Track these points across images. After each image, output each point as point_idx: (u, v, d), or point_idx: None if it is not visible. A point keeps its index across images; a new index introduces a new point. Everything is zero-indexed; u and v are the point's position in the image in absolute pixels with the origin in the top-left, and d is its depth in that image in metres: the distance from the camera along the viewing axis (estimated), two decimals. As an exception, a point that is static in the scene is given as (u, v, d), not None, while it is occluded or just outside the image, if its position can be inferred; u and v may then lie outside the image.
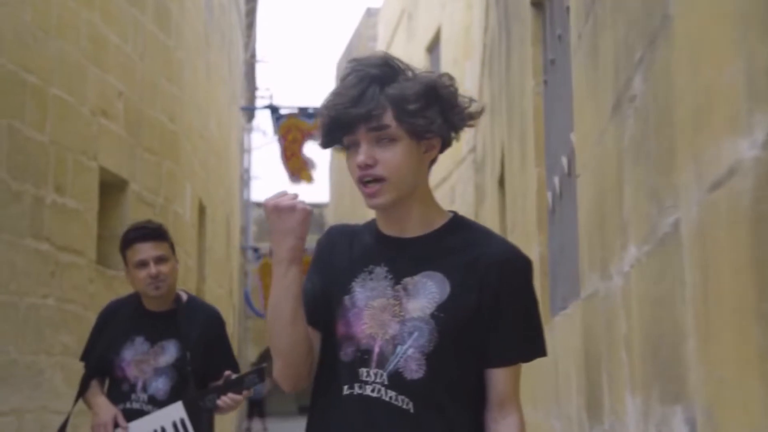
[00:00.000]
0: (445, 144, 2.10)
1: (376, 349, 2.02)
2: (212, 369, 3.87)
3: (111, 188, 7.42)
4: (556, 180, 3.72)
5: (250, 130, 24.78)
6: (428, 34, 16.73)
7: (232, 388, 3.61)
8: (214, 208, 11.40)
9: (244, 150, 21.99)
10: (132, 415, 3.72)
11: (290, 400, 32.79)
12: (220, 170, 12.08)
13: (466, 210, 13.96)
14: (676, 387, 1.63)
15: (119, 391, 3.79)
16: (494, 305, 2.01)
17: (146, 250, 3.74)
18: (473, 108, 2.08)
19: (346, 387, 2.05)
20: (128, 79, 7.64)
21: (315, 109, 13.13)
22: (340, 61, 28.96)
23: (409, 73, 2.02)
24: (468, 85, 13.58)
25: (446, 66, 15.24)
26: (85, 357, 3.99)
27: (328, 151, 9.52)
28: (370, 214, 2.20)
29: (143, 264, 3.74)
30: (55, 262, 6.35)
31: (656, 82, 1.65)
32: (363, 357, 2.03)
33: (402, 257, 2.08)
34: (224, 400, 3.60)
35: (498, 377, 2.01)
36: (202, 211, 10.22)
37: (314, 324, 2.13)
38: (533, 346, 2.06)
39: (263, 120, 49.01)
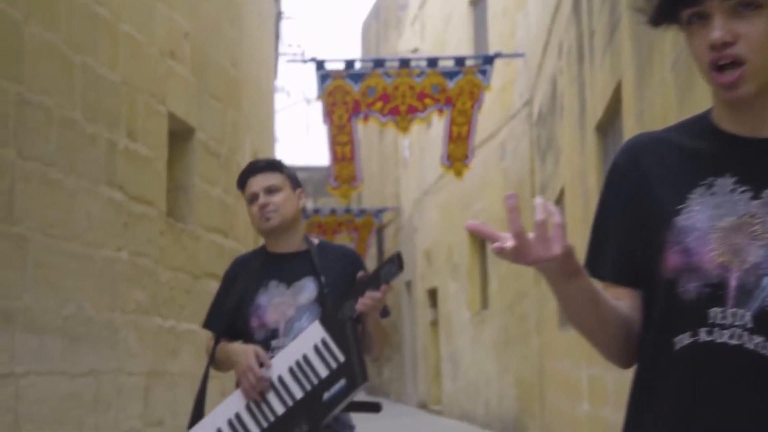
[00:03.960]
0: None
1: (733, 283, 1.53)
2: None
3: (177, 136, 6.93)
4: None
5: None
6: (472, -14, 16.13)
7: (368, 287, 3.08)
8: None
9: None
10: None
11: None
12: (268, 125, 11.58)
13: (520, 167, 13.44)
14: None
15: (255, 342, 3.29)
16: None
17: (256, 182, 3.39)
18: None
19: (687, 334, 1.56)
20: (193, 18, 7.12)
21: (362, 64, 12.43)
22: (367, 20, 28.32)
23: None
24: (521, 37, 13.02)
25: (494, 19, 14.66)
26: (210, 323, 3.50)
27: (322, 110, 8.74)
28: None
29: (254, 197, 3.37)
30: (128, 213, 5.88)
31: None
32: (715, 293, 1.53)
33: (761, 162, 1.58)
34: (363, 302, 3.08)
35: None
36: (256, 165, 9.74)
37: (634, 285, 1.68)
38: None
39: (287, 80, 48.56)
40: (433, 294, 20.12)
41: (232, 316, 3.36)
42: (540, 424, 12.52)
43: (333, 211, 22.04)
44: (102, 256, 5.51)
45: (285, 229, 3.38)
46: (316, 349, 3.11)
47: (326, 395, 3.05)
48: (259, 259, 3.44)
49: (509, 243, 1.50)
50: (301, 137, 73.03)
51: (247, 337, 3.31)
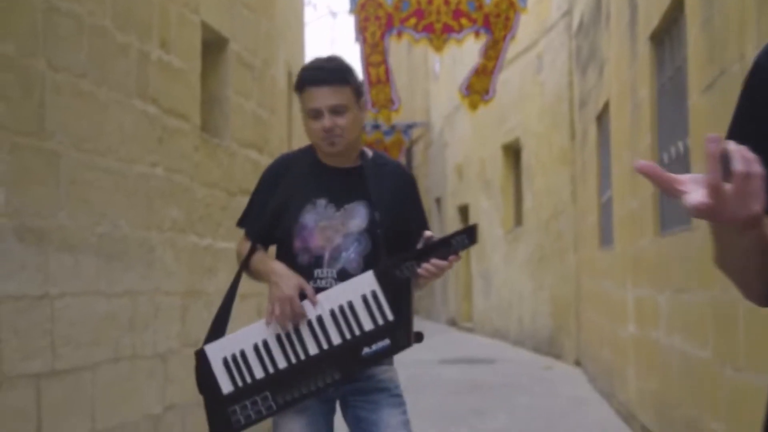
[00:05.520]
0: None
1: None
2: (404, 235, 3.13)
3: (210, 47, 6.64)
4: None
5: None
6: None
7: (436, 252, 2.85)
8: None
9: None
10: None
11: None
12: (299, 36, 11.22)
13: (558, 80, 13.05)
14: None
15: (297, 265, 3.04)
16: None
17: (321, 97, 2.98)
18: None
19: None
20: None
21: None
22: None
23: None
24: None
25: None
26: (245, 222, 3.24)
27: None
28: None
29: (317, 114, 3.00)
30: (162, 127, 5.63)
31: None
32: None
33: None
34: (427, 267, 2.85)
35: None
36: (289, 78, 9.42)
37: None
38: None
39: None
40: (464, 210, 19.90)
41: (272, 225, 3.11)
42: (576, 342, 12.37)
43: (362, 128, 21.71)
44: (136, 172, 5.28)
45: (345, 150, 3.10)
46: (365, 300, 2.91)
47: (366, 350, 2.89)
48: (308, 165, 3.14)
49: (701, 197, 1.20)
50: (326, 51, 72.06)
51: (290, 258, 3.06)
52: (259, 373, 2.91)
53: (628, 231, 7.71)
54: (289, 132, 9.20)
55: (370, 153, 3.19)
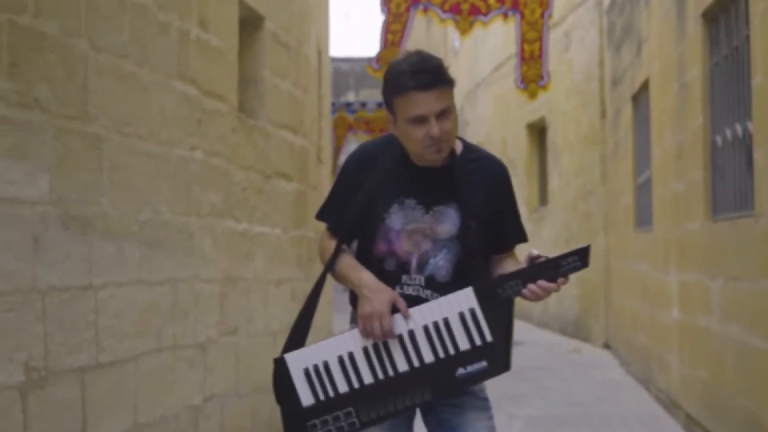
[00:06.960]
0: None
1: None
2: (497, 238, 2.96)
3: (247, 25, 6.44)
4: None
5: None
6: None
7: (544, 274, 2.66)
8: (326, 54, 10.39)
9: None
10: (406, 302, 2.80)
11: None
12: (325, 12, 10.99)
13: (588, 58, 12.80)
14: None
15: (383, 271, 2.86)
16: None
17: (428, 103, 2.72)
18: None
19: None
20: None
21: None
22: None
23: None
24: None
25: None
26: (328, 216, 3.01)
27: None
28: None
29: (422, 120, 2.75)
30: (201, 109, 5.44)
31: None
32: None
33: None
34: (533, 289, 2.67)
35: None
36: (319, 56, 9.21)
37: None
38: None
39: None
40: (485, 189, 19.68)
41: (357, 222, 2.91)
42: (604, 325, 12.19)
43: (380, 105, 21.39)
44: (177, 155, 5.09)
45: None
46: (462, 318, 2.72)
47: (461, 371, 2.72)
48: (394, 161, 2.90)
49: None
50: (340, 26, 71.61)
51: (373, 262, 2.89)
52: (343, 388, 2.73)
53: (670, 214, 7.50)
54: (319, 112, 8.99)
55: (459, 147, 2.97)
